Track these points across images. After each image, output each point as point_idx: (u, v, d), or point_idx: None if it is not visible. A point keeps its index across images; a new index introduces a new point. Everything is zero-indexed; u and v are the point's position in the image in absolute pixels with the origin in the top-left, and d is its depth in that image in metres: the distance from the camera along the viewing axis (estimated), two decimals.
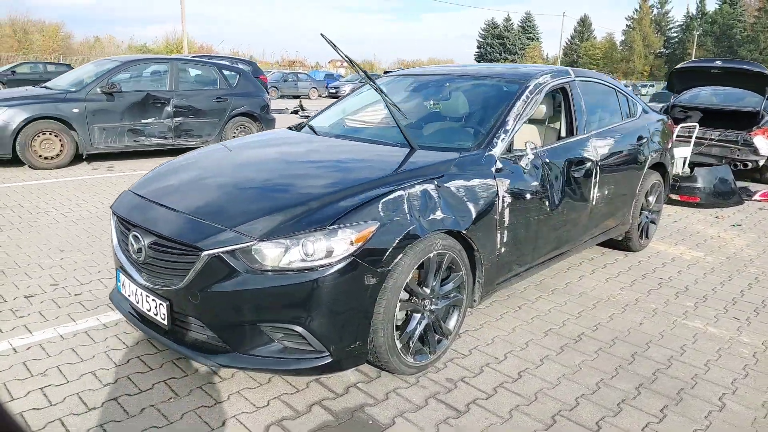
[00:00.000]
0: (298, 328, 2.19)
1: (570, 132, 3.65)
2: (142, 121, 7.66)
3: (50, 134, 6.99)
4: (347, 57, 2.98)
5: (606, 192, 3.83)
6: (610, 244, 4.63)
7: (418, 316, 2.56)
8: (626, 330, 3.21)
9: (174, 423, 2.19)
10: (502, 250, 2.97)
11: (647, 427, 2.30)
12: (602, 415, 2.37)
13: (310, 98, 28.22)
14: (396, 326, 2.52)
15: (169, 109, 7.85)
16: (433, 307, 2.63)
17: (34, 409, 2.23)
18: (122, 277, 2.59)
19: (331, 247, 2.19)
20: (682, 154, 6.85)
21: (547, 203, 3.23)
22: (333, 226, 2.21)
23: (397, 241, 2.32)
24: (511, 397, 2.47)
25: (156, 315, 2.39)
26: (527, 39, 76.91)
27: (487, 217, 2.80)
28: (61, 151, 7.11)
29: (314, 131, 3.67)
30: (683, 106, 8.84)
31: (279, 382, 2.50)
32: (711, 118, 8.32)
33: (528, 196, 3.08)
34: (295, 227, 2.20)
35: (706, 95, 9.17)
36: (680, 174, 6.66)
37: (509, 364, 2.76)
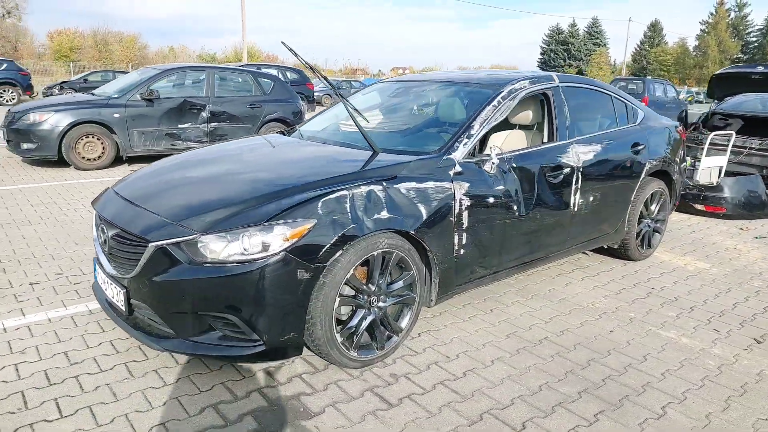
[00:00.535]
0: (233, 318, 2.35)
1: (551, 138, 3.65)
2: (179, 125, 8.10)
3: (93, 137, 7.52)
4: (308, 63, 3.13)
5: (592, 199, 3.79)
6: (610, 252, 4.56)
7: (362, 311, 2.66)
8: (593, 336, 3.18)
9: (120, 400, 2.39)
10: (461, 252, 3.03)
11: (574, 429, 2.31)
12: (532, 416, 2.40)
13: None
14: (341, 321, 2.64)
15: (204, 114, 8.26)
16: (381, 304, 2.72)
17: (3, 381, 2.48)
18: (97, 267, 2.83)
19: (267, 242, 2.34)
20: (718, 163, 6.58)
21: (515, 208, 3.26)
22: (269, 223, 2.36)
23: (334, 239, 2.44)
24: (447, 394, 2.53)
25: (117, 302, 2.61)
26: (593, 45, 74.80)
27: (441, 218, 2.87)
28: (102, 153, 7.63)
29: (301, 135, 3.84)
30: (724, 113, 8.46)
31: (230, 371, 2.66)
32: (754, 126, 7.92)
33: (491, 200, 3.12)
34: (235, 223, 2.36)
35: (751, 102, 8.73)
36: (706, 183, 6.41)
37: (458, 364, 2.81)
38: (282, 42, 3.18)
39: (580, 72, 70.37)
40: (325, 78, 3.23)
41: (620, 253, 4.50)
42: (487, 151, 3.20)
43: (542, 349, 3.01)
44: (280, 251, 2.33)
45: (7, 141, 7.56)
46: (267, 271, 2.32)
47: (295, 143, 3.54)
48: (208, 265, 2.32)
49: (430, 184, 2.86)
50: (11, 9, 62.09)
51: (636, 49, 74.56)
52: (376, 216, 2.59)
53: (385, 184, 2.70)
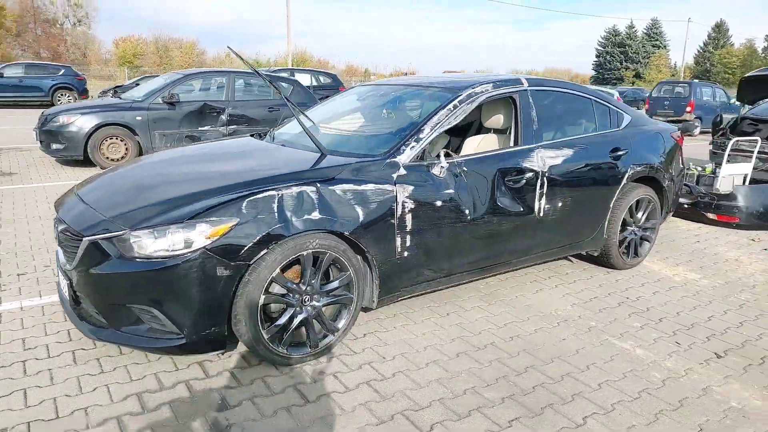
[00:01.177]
0: (155, 311, 2.46)
1: (517, 142, 3.62)
2: (199, 128, 8.40)
3: (116, 139, 7.91)
4: (255, 69, 3.22)
5: (561, 204, 3.72)
6: (595, 260, 4.45)
7: (292, 310, 2.73)
8: (542, 344, 3.13)
9: (55, 384, 2.54)
10: (405, 254, 3.05)
11: None
12: (444, 418, 2.40)
13: None
14: (271, 318, 2.72)
15: (224, 117, 8.54)
16: (315, 303, 2.78)
17: None
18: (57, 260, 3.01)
19: (190, 240, 2.44)
20: (741, 170, 6.29)
21: (467, 211, 3.25)
22: (191, 221, 2.46)
23: (258, 238, 2.52)
24: (368, 394, 2.56)
25: (65, 292, 2.77)
26: (652, 47, 72.16)
27: (380, 220, 2.90)
28: (125, 153, 8.01)
29: (272, 138, 3.93)
30: (754, 118, 8.05)
31: (167, 363, 2.78)
32: None
33: (439, 203, 3.12)
34: (162, 220, 2.47)
35: None
36: (726, 191, 6.12)
37: (391, 365, 2.84)
38: (228, 47, 3.30)
39: (637, 75, 68.11)
40: (270, 82, 3.32)
41: (603, 261, 4.38)
42: (465, 152, 3.20)
43: (483, 354, 2.99)
44: (200, 248, 2.43)
45: (40, 142, 8.05)
46: (187, 268, 2.42)
47: (254, 146, 3.64)
48: (136, 259, 2.44)
49: (369, 187, 2.89)
50: (82, 18, 65.84)
51: (699, 51, 71.47)
52: (305, 216, 2.66)
53: (319, 185, 2.75)
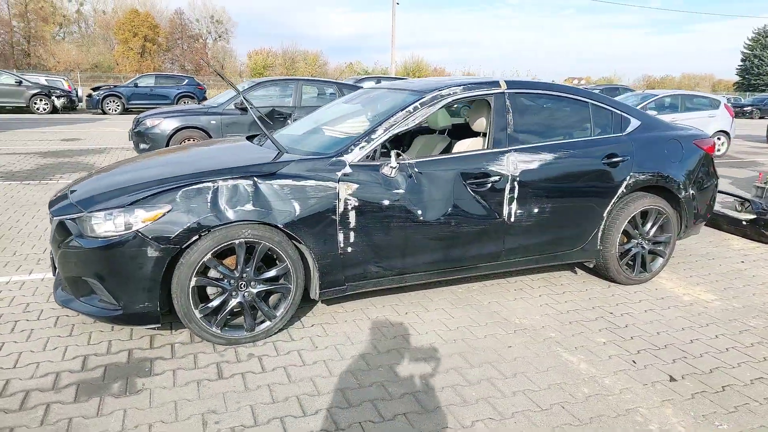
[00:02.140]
0: (98, 284, 2.81)
1: (489, 145, 3.58)
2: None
3: (193, 140, 8.73)
4: (221, 74, 3.50)
5: (538, 210, 3.62)
6: (600, 273, 4.22)
7: (225, 294, 2.96)
8: (482, 349, 3.09)
9: (28, 342, 2.99)
10: (349, 249, 3.17)
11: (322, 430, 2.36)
12: (335, 405, 2.49)
13: None
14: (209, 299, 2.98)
15: (290, 122, 9.07)
16: (250, 289, 3.00)
17: None
18: None
19: (129, 223, 2.77)
20: None
21: (420, 212, 3.29)
22: (131, 206, 2.78)
23: (189, 225, 2.79)
24: (278, 377, 2.73)
25: (52, 265, 3.24)
26: None
27: (320, 215, 3.06)
28: None
29: (259, 141, 4.17)
30: None
31: (129, 330, 3.14)
32: None
33: (386, 202, 3.21)
34: (111, 205, 2.82)
35: None
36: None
37: (318, 354, 2.97)
38: (202, 59, 3.61)
39: None
40: (233, 85, 3.59)
41: (603, 274, 4.15)
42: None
43: (414, 353, 3.02)
44: (135, 231, 2.74)
45: (133, 142, 9.09)
46: (124, 247, 2.74)
47: (232, 145, 3.93)
48: (90, 238, 2.82)
49: (310, 183, 3.06)
50: (222, 33, 72.31)
51: None
52: (238, 207, 2.88)
53: (257, 179, 2.97)
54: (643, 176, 3.94)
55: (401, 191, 3.24)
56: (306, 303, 3.57)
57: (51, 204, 3.12)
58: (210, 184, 2.89)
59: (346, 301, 3.67)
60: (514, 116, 3.64)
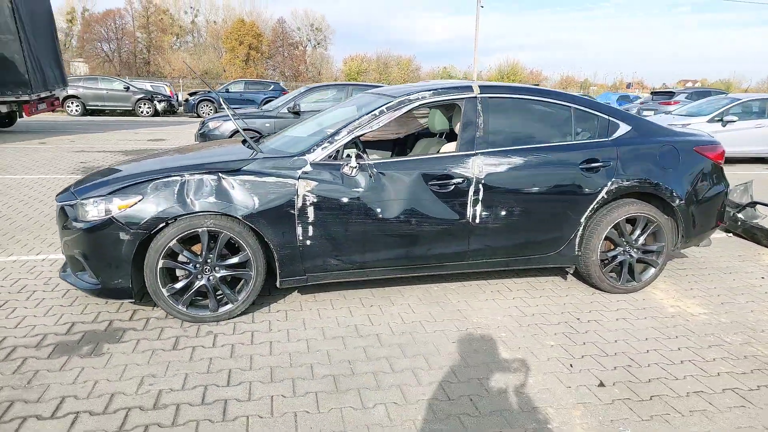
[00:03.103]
0: (84, 261, 3.27)
1: (458, 147, 3.69)
2: None
3: None
4: (202, 78, 3.84)
5: (504, 213, 3.67)
6: (585, 280, 4.17)
7: (190, 276, 3.32)
8: (424, 342, 3.21)
9: (35, 308, 3.52)
10: (308, 242, 3.42)
11: (234, 398, 2.61)
12: (253, 380, 2.76)
13: None
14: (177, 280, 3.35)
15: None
16: (214, 274, 3.34)
17: None
18: None
19: (109, 209, 3.20)
20: None
21: (379, 210, 3.47)
22: (110, 195, 3.22)
23: (156, 213, 3.17)
24: (223, 352, 3.03)
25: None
26: None
27: (279, 209, 3.33)
28: None
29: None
30: None
31: (118, 306, 3.59)
32: None
33: (345, 200, 3.42)
34: (97, 193, 3.27)
35: None
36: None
37: (267, 336, 3.24)
38: (184, 61, 3.99)
39: None
40: (210, 88, 3.94)
41: (587, 281, 4.10)
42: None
43: (351, 341, 3.21)
44: (112, 216, 3.17)
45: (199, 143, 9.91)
46: (102, 230, 3.18)
47: (220, 145, 4.29)
48: (81, 222, 3.29)
49: (270, 179, 3.35)
50: (320, 41, 75.31)
51: None
52: (202, 200, 3.23)
53: (221, 174, 3.30)
54: (627, 182, 3.85)
55: (361, 190, 3.44)
56: (287, 292, 3.87)
57: (58, 193, 3.64)
58: (178, 178, 3.26)
59: (320, 291, 3.92)
60: (485, 120, 3.71)
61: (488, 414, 2.54)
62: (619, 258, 4.00)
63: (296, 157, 3.44)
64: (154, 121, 19.40)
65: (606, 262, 3.98)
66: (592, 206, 3.82)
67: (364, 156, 3.49)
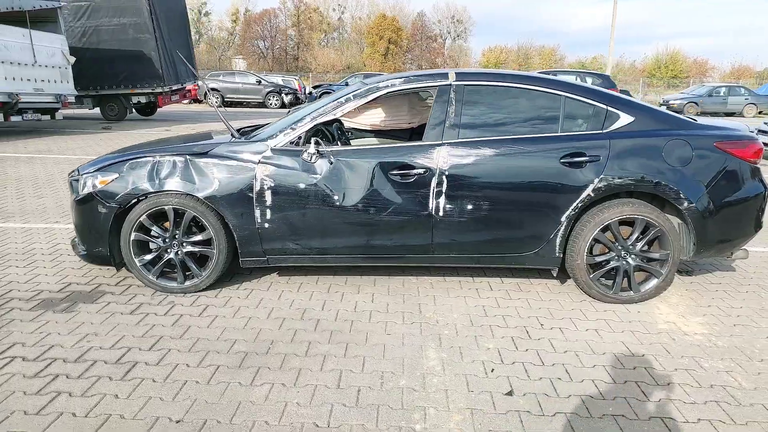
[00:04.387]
0: (75, 229, 3.72)
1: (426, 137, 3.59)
2: None
3: None
4: (186, 62, 4.07)
5: (471, 207, 3.50)
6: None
7: (160, 250, 3.63)
8: (359, 331, 3.20)
9: (43, 269, 4.08)
10: (266, 225, 3.56)
11: (146, 362, 2.81)
12: (146, 349, 2.97)
13: (744, 116, 23.98)
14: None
15: None
16: (183, 249, 3.62)
17: None
18: None
19: (95, 184, 3.61)
20: None
21: (337, 197, 3.50)
22: (95, 172, 3.62)
23: (129, 190, 3.52)
24: (168, 321, 3.28)
25: None
26: None
27: (237, 192, 3.51)
28: None
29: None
30: None
31: (106, 271, 4.03)
32: None
33: (302, 185, 3.50)
34: (88, 170, 3.70)
35: None
36: None
37: (216, 311, 3.43)
38: (177, 51, 4.24)
39: None
40: (198, 77, 4.15)
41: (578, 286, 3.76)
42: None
43: (289, 323, 3.29)
44: (94, 191, 3.57)
45: None
46: (86, 203, 3.59)
47: (212, 133, 4.50)
48: (75, 195, 3.74)
49: (232, 163, 3.53)
50: (461, 32, 75.04)
51: None
52: (168, 179, 3.51)
53: (188, 157, 3.55)
54: (619, 180, 3.45)
55: (319, 176, 3.49)
56: (268, 272, 4.06)
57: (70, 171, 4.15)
58: (151, 159, 3.56)
59: (297, 274, 4.05)
60: (457, 109, 3.56)
61: (365, 406, 2.49)
62: (612, 264, 3.61)
63: (258, 142, 3.58)
64: (278, 112, 20.78)
65: (594, 266, 3.62)
66: (575, 204, 3.49)
67: (322, 143, 3.53)
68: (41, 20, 12.19)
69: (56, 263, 4.20)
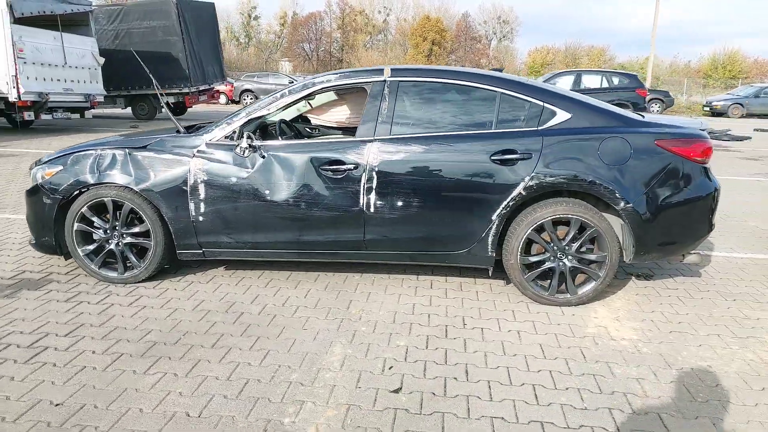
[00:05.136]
0: (26, 219, 3.88)
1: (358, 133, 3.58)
2: None
3: None
4: (150, 74, 4.19)
5: (401, 204, 3.46)
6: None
7: (101, 241, 3.75)
8: (275, 325, 3.22)
9: (27, 254, 4.28)
10: (200, 218, 3.62)
11: (56, 348, 2.90)
12: (86, 335, 3.07)
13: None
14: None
15: None
16: (123, 240, 3.73)
17: None
18: None
19: (43, 177, 3.77)
20: None
21: (267, 192, 3.53)
22: (44, 165, 3.77)
23: (71, 182, 3.65)
24: (94, 308, 3.39)
25: None
26: None
27: (172, 185, 3.59)
28: None
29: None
30: None
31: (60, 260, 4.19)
32: None
33: (234, 180, 3.55)
34: (41, 163, 3.86)
35: None
36: None
37: (148, 301, 3.52)
38: (133, 51, 4.36)
39: None
40: (153, 80, 4.25)
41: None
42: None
43: (211, 315, 3.34)
44: (40, 183, 3.72)
45: None
46: (34, 195, 3.75)
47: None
48: (30, 187, 3.90)
49: (167, 156, 3.61)
50: (507, 33, 74.13)
51: None
52: (107, 172, 3.63)
53: (128, 150, 3.66)
54: (551, 179, 3.35)
55: (251, 171, 3.53)
56: (221, 264, 4.14)
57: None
58: (93, 152, 3.69)
59: (244, 268, 4.10)
60: (390, 105, 3.53)
61: (245, 399, 2.50)
62: (548, 265, 3.50)
63: (194, 137, 3.65)
64: None
65: (528, 266, 3.52)
66: (506, 203, 3.40)
67: (254, 137, 3.56)
68: (74, 24, 12.76)
69: (22, 252, 4.39)
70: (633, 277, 4.11)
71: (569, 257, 3.48)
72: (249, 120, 3.64)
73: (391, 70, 3.61)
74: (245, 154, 3.52)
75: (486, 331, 3.21)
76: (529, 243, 3.50)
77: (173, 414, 2.38)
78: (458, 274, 4.07)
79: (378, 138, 3.49)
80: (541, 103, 3.48)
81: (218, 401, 2.48)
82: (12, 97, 11.06)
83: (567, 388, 2.62)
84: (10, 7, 10.59)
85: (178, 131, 3.86)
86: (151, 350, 2.91)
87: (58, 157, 3.78)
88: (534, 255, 3.51)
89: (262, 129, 4.05)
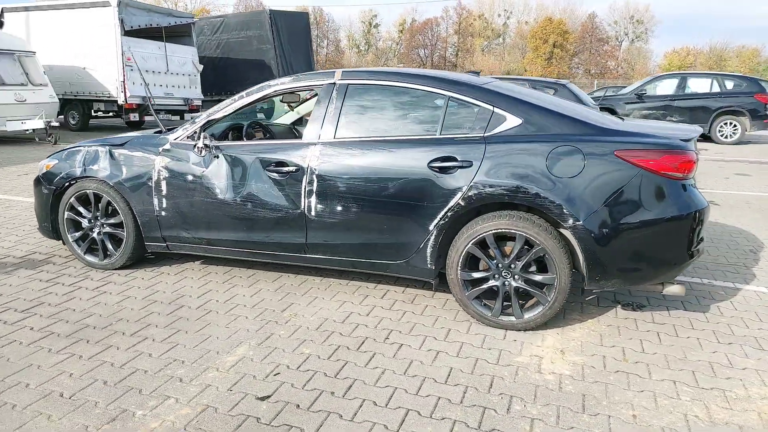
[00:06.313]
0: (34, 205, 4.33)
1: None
2: None
3: None
4: (138, 67, 4.41)
5: (340, 209, 3.39)
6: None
7: (86, 228, 4.07)
8: (206, 322, 3.29)
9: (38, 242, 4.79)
10: (163, 213, 3.82)
11: (18, 324, 3.18)
12: (21, 309, 3.35)
13: None
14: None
15: None
16: (104, 230, 4.04)
17: None
18: None
19: (44, 169, 4.18)
20: None
21: (218, 191, 3.64)
22: (49, 158, 4.19)
23: (62, 174, 4.02)
24: (59, 289, 3.70)
25: None
26: None
27: (139, 180, 3.83)
28: None
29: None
30: None
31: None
32: None
33: (190, 177, 3.70)
34: (47, 157, 4.29)
35: None
36: None
37: (114, 287, 3.77)
38: (128, 57, 4.59)
39: None
40: (147, 85, 4.47)
41: None
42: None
43: (156, 306, 3.49)
44: (39, 174, 4.14)
45: None
46: (38, 185, 4.18)
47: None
48: (36, 177, 4.34)
49: (137, 154, 3.85)
50: (640, 34, 69.37)
51: None
52: (90, 167, 3.95)
53: (109, 147, 3.95)
54: (491, 189, 3.09)
55: (204, 169, 3.66)
56: (198, 257, 4.33)
57: None
58: (82, 148, 4.03)
59: (217, 264, 4.24)
60: (336, 108, 3.47)
61: (119, 387, 2.59)
62: (491, 282, 3.23)
63: (162, 136, 3.85)
64: None
65: (470, 283, 3.27)
66: (443, 213, 3.20)
67: (209, 137, 3.67)
68: (177, 34, 14.00)
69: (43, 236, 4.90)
70: (620, 305, 3.66)
71: (515, 277, 3.18)
72: (209, 121, 3.76)
73: (342, 72, 3.54)
74: (202, 154, 3.64)
75: (404, 348, 3.03)
76: (473, 258, 3.26)
77: (50, 392, 2.53)
78: (419, 287, 3.88)
79: (321, 141, 3.44)
80: (490, 107, 3.22)
81: (97, 386, 2.59)
82: (120, 101, 12.36)
83: (443, 419, 2.40)
84: (122, 22, 11.84)
85: (159, 131, 4.09)
86: (78, 333, 3.11)
87: (59, 151, 4.17)
88: (476, 271, 3.25)
89: (238, 130, 4.16)
